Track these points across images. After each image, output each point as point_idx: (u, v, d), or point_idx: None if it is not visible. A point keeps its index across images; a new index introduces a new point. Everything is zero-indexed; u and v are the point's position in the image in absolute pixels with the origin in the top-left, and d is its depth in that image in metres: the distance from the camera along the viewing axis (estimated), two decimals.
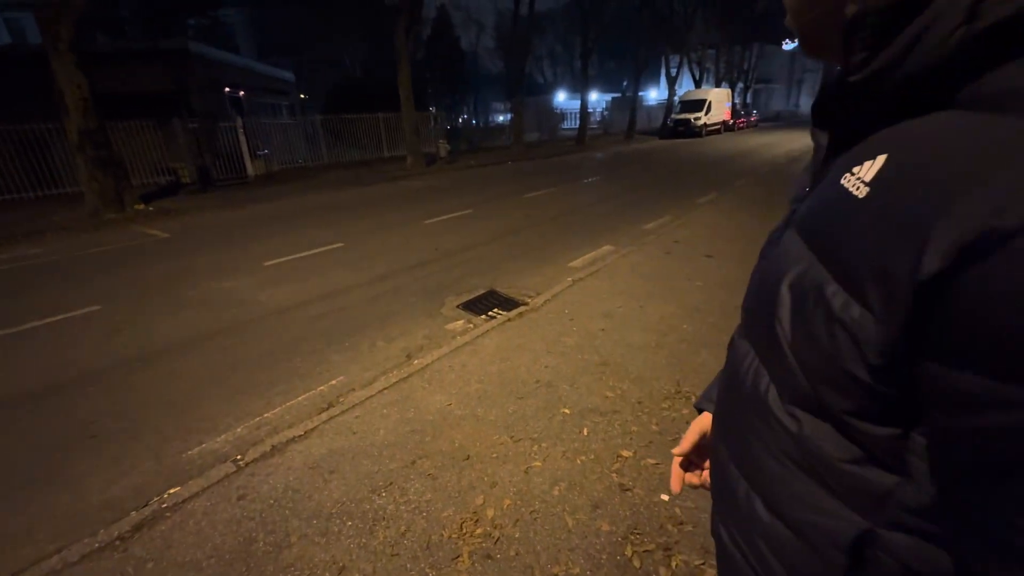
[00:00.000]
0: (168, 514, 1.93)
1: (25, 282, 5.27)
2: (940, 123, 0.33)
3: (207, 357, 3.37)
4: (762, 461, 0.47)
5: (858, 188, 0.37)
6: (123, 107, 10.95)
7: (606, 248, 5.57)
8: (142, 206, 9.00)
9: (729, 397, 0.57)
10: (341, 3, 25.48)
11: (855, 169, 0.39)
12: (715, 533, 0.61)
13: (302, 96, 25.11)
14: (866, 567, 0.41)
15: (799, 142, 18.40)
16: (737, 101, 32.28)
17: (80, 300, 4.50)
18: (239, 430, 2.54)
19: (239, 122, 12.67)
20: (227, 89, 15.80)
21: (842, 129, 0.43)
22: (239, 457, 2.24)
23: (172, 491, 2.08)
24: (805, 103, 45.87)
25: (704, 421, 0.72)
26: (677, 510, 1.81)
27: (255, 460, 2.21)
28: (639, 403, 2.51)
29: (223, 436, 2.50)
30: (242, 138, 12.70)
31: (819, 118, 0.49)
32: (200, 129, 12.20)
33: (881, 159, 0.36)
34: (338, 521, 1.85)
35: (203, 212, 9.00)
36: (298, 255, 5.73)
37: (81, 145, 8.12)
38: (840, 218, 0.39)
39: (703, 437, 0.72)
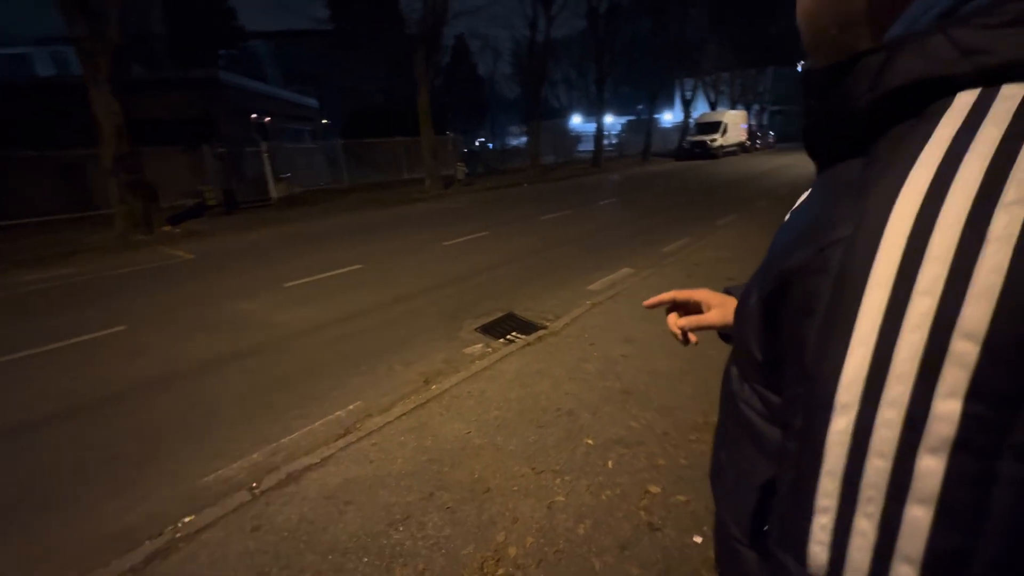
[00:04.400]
0: (182, 544, 1.89)
1: (56, 301, 5.42)
2: (841, 170, 0.38)
3: (226, 379, 3.37)
4: (725, 423, 0.58)
5: (788, 214, 0.49)
6: (154, 133, 11.44)
7: (625, 271, 5.50)
8: (169, 228, 9.27)
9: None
10: (363, 33, 26.49)
11: (800, 199, 0.49)
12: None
13: (324, 121, 25.93)
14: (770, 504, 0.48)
15: None
16: (753, 123, 32.23)
17: (107, 320, 4.58)
18: (255, 456, 2.50)
19: (264, 147, 13.09)
20: (253, 115, 16.41)
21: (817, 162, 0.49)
22: (254, 485, 2.20)
23: (187, 520, 2.03)
24: None
25: (700, 293, 0.78)
26: (712, 554, 1.69)
27: (270, 488, 2.16)
28: (665, 434, 2.41)
29: (239, 462, 2.46)
30: (266, 162, 13.09)
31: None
32: (227, 154, 12.63)
33: (806, 194, 0.47)
34: (354, 557, 1.78)
35: (227, 234, 9.22)
36: (317, 276, 5.78)
37: (114, 169, 8.46)
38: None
39: (684, 302, 0.79)
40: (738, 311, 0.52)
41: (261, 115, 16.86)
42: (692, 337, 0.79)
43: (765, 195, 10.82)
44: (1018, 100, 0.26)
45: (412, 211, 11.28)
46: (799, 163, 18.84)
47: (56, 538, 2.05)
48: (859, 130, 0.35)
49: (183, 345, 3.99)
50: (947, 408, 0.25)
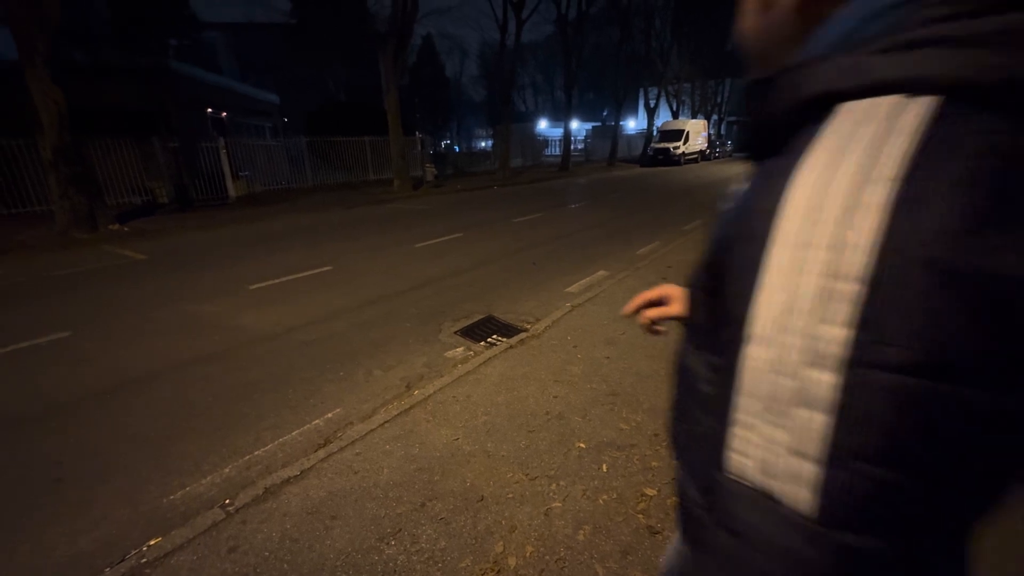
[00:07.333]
0: (148, 571, 1.71)
1: None
2: (768, 163, 0.43)
3: (188, 388, 3.13)
4: (680, 398, 0.61)
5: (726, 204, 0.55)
6: (100, 123, 10.66)
7: (601, 273, 5.54)
8: (116, 226, 8.65)
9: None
10: (325, 28, 25.73)
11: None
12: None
13: (284, 119, 24.97)
14: None
15: None
16: (712, 132, 33.46)
17: (47, 326, 4.19)
18: (226, 470, 2.33)
19: (221, 142, 12.45)
20: (209, 109, 15.60)
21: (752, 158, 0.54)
22: (228, 502, 2.04)
23: (152, 543, 1.86)
24: None
25: (665, 289, 0.86)
26: None
27: (246, 505, 2.01)
28: (656, 436, 2.41)
29: (208, 478, 2.28)
30: (224, 158, 12.46)
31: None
32: (180, 148, 11.94)
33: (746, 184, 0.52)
34: None
35: (182, 233, 8.69)
36: (285, 278, 5.52)
37: (55, 162, 7.80)
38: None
39: (656, 300, 0.86)
40: (689, 284, 0.58)
41: (218, 109, 16.04)
42: (660, 328, 0.87)
43: None
44: (884, 108, 0.34)
45: (381, 212, 11.01)
46: None
47: None
48: (780, 131, 0.43)
49: (136, 352, 3.70)
50: (834, 333, 0.32)
